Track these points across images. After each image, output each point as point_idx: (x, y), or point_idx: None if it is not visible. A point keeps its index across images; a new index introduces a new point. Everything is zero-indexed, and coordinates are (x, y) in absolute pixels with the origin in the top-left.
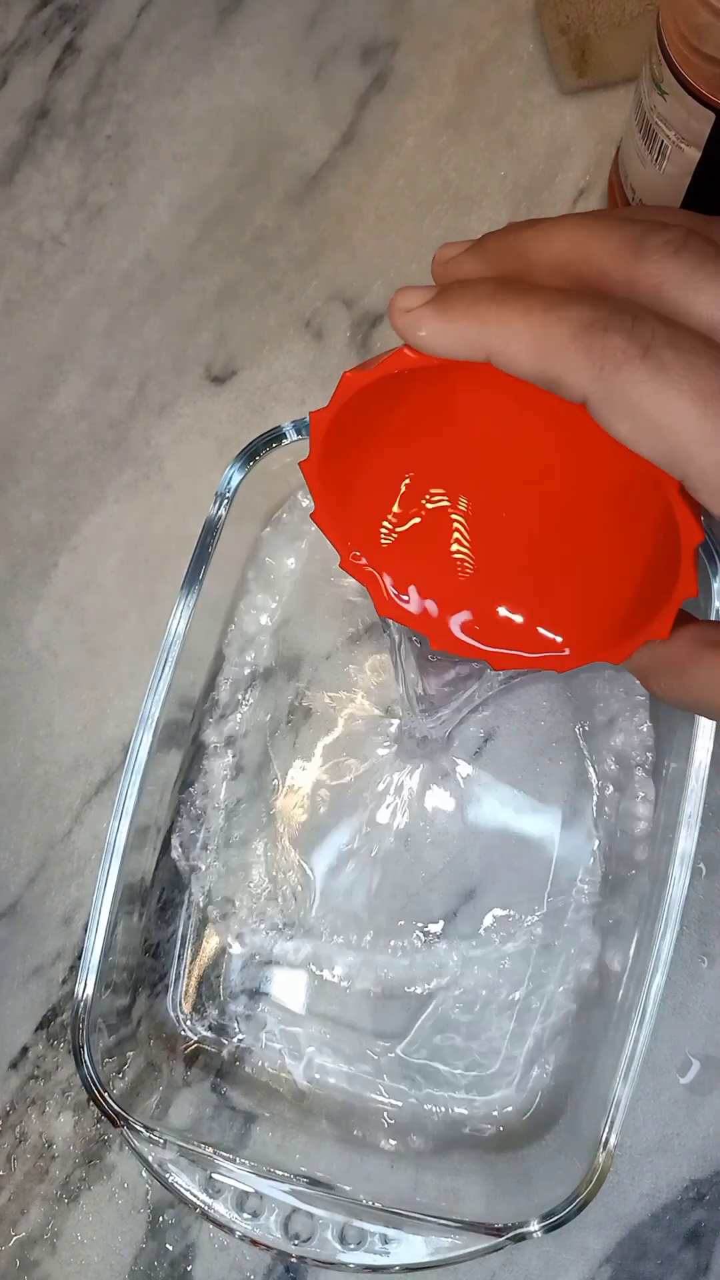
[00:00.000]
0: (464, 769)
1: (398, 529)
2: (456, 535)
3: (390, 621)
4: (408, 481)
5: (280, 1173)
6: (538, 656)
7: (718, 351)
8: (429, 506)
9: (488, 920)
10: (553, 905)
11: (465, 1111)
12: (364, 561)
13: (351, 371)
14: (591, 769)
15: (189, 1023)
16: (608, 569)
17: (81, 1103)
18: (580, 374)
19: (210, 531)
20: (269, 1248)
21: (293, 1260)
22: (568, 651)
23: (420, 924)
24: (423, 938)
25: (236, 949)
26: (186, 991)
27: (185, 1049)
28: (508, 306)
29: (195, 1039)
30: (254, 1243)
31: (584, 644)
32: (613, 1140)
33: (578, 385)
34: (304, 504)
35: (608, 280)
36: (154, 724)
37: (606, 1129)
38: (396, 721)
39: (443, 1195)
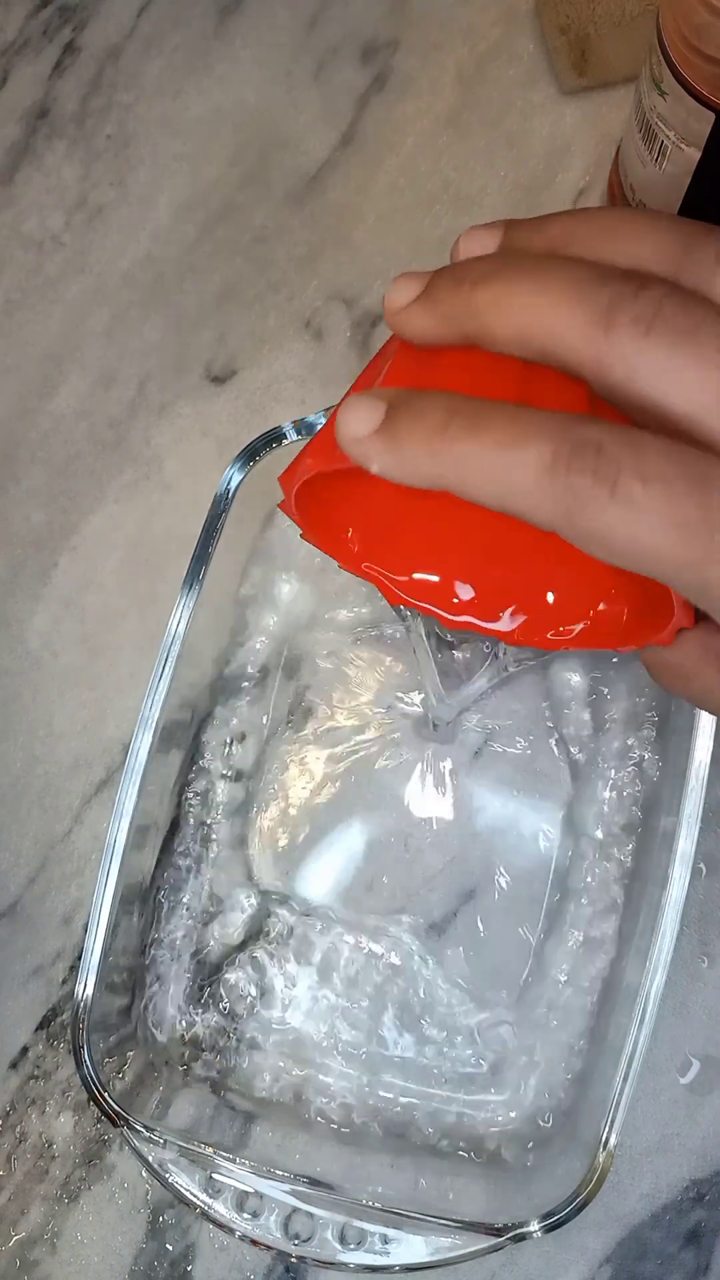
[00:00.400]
0: (465, 769)
1: (392, 520)
2: (455, 518)
3: (404, 609)
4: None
5: (280, 1173)
6: (548, 637)
7: (692, 464)
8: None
9: (488, 920)
10: (552, 906)
11: (465, 1111)
12: (365, 563)
13: (285, 476)
14: (591, 769)
15: (189, 1023)
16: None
17: (81, 1103)
18: (545, 514)
19: (210, 531)
20: (269, 1248)
21: (293, 1260)
22: (577, 630)
23: (420, 924)
24: (424, 937)
25: (236, 949)
26: (187, 991)
27: (185, 1049)
28: (461, 444)
29: (195, 1038)
30: (254, 1243)
31: (592, 627)
32: (613, 1140)
33: (544, 522)
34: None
35: (575, 363)
36: (154, 724)
37: (606, 1129)
38: (396, 721)
39: (443, 1195)
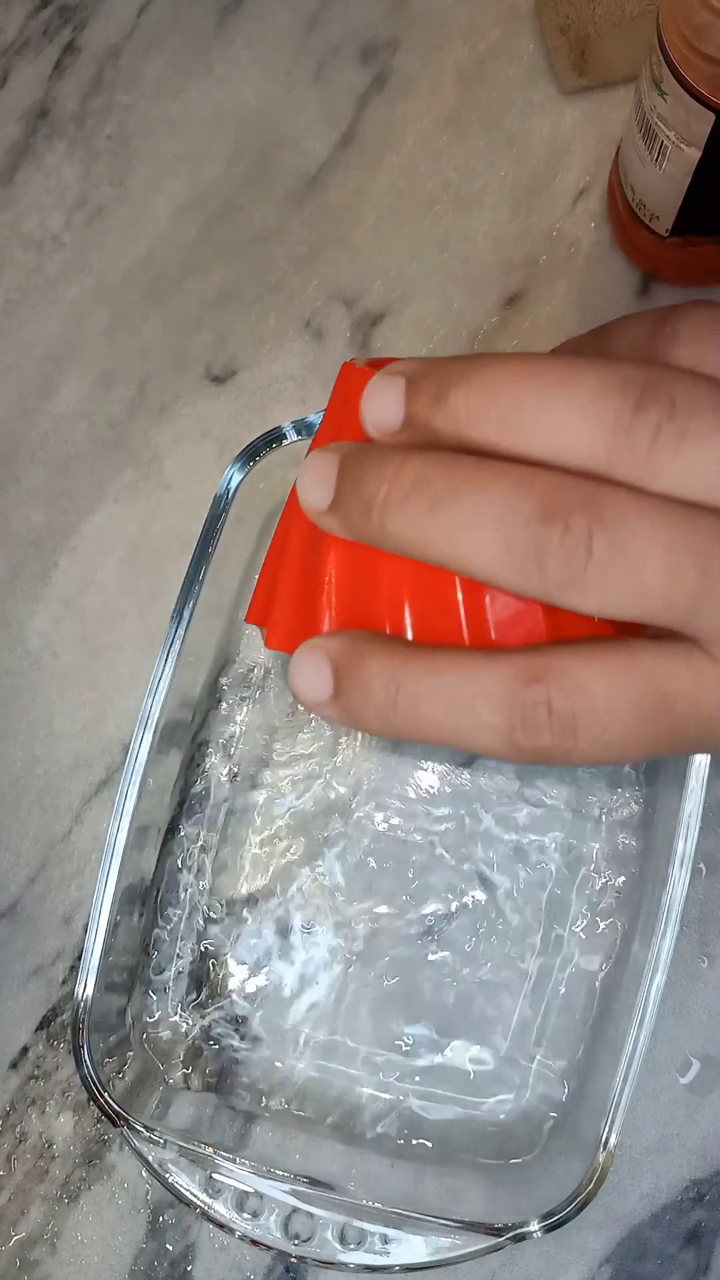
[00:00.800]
0: (465, 769)
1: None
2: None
3: None
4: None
5: (280, 1173)
6: None
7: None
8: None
9: (488, 921)
10: (552, 906)
11: (465, 1111)
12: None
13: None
14: (592, 769)
15: (189, 1023)
16: None
17: (81, 1103)
18: (500, 755)
19: (210, 531)
20: (269, 1248)
21: (293, 1260)
22: None
23: (421, 924)
24: (424, 937)
25: (236, 949)
26: (187, 992)
27: (185, 1049)
28: (414, 714)
29: (195, 1039)
30: (254, 1243)
31: None
32: (613, 1140)
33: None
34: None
35: (517, 593)
36: (154, 724)
37: (606, 1129)
38: None
39: (443, 1195)
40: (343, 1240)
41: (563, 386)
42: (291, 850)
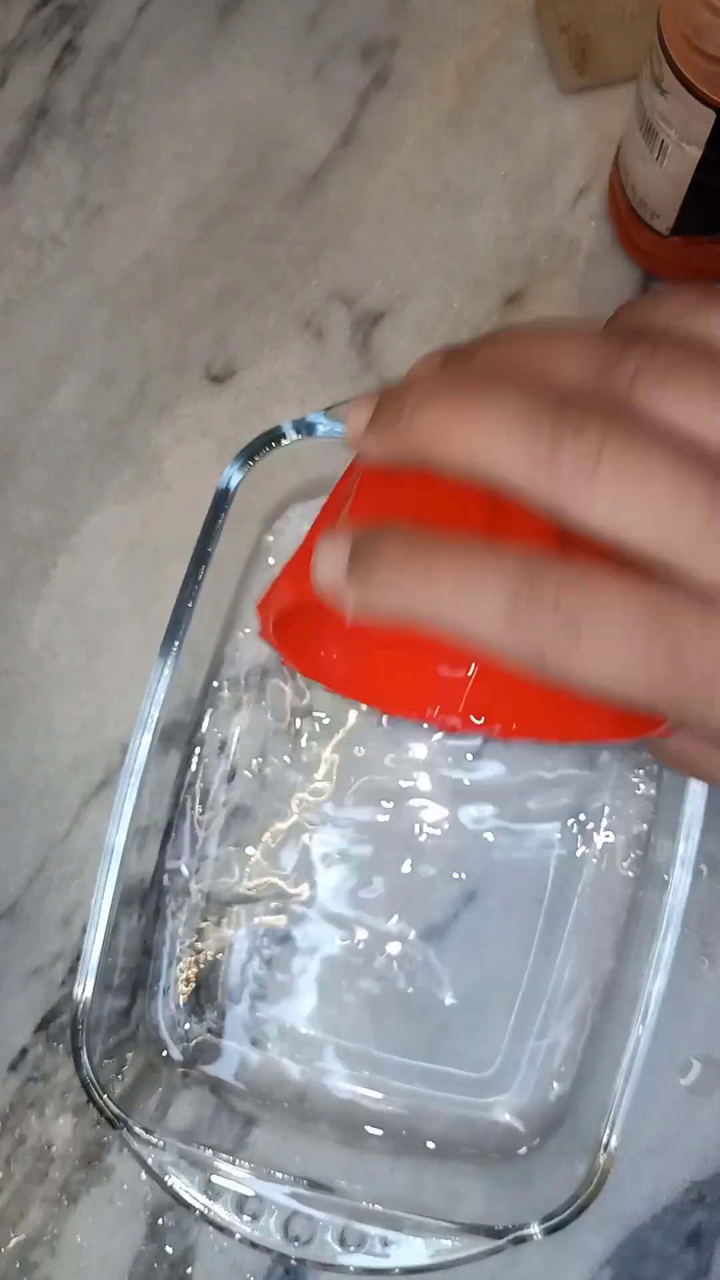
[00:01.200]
0: (465, 769)
1: (376, 638)
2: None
3: None
4: None
5: (280, 1175)
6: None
7: (652, 601)
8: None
9: (488, 922)
10: (553, 907)
11: (465, 1114)
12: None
13: (263, 605)
14: (592, 770)
15: (188, 1024)
16: None
17: (81, 1105)
18: (516, 659)
19: (210, 531)
20: (269, 1250)
21: (292, 1263)
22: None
23: (420, 926)
24: (423, 938)
25: (235, 950)
26: (186, 993)
27: (185, 1051)
28: (428, 587)
29: (195, 1041)
30: (254, 1245)
31: (592, 725)
32: (613, 1142)
33: (517, 665)
34: (304, 503)
35: (529, 500)
36: (154, 725)
37: (607, 1130)
38: (397, 719)
39: (443, 1197)
40: (342, 1242)
41: (561, 340)
42: (290, 851)
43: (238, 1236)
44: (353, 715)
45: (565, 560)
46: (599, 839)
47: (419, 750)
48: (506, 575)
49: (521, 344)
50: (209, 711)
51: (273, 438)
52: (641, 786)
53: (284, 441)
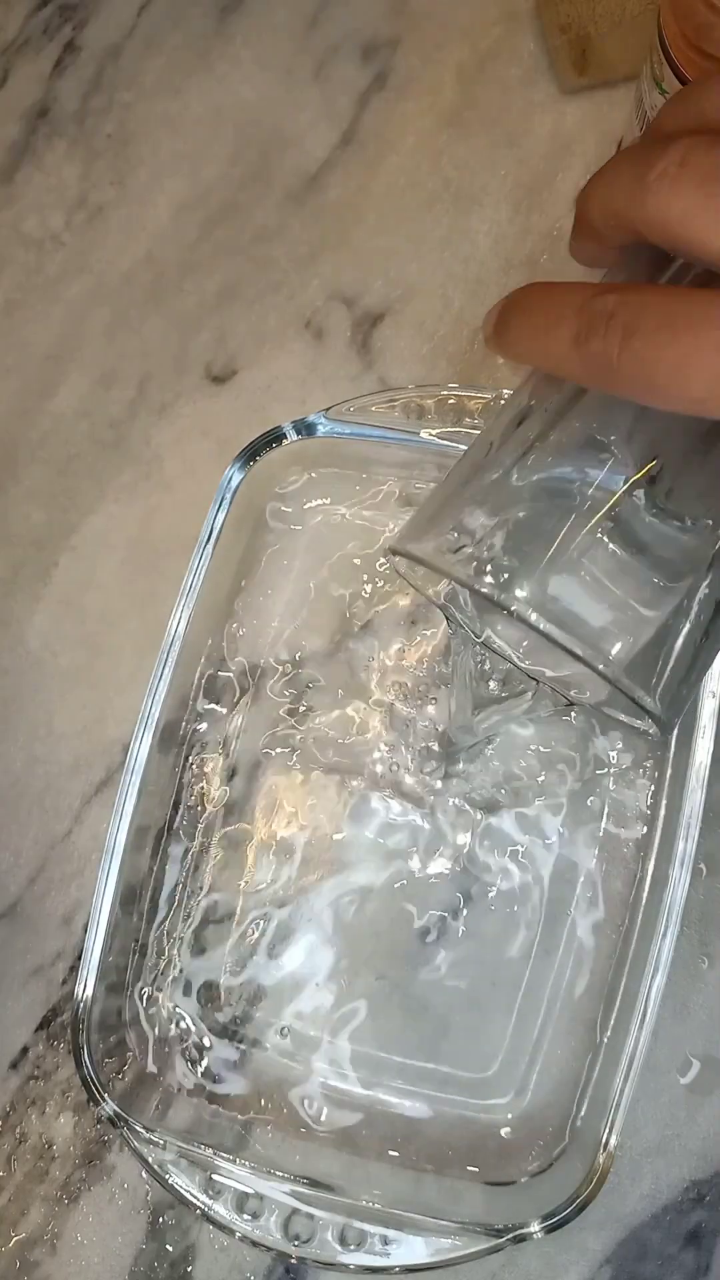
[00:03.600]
0: (463, 768)
1: None
2: None
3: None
4: None
5: (280, 1174)
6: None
7: (693, 305)
8: None
9: (488, 922)
10: (553, 907)
11: (465, 1113)
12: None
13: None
14: (592, 770)
15: (188, 1024)
16: None
17: (81, 1103)
18: (585, 379)
19: (210, 531)
20: (269, 1249)
21: (293, 1261)
22: None
23: (420, 925)
24: (422, 938)
25: (235, 950)
26: (185, 993)
27: (185, 1050)
28: (533, 337)
29: (194, 1040)
30: (254, 1244)
31: None
32: (613, 1141)
33: (588, 384)
34: (305, 503)
35: (632, 225)
36: (154, 724)
37: (607, 1130)
38: (396, 719)
39: (443, 1196)
40: (343, 1241)
41: None
42: (291, 851)
43: (238, 1235)
44: (351, 715)
45: (627, 286)
46: (599, 838)
47: (419, 749)
48: (573, 305)
49: (629, 151)
50: (208, 711)
51: (273, 438)
52: (640, 785)
53: (284, 442)
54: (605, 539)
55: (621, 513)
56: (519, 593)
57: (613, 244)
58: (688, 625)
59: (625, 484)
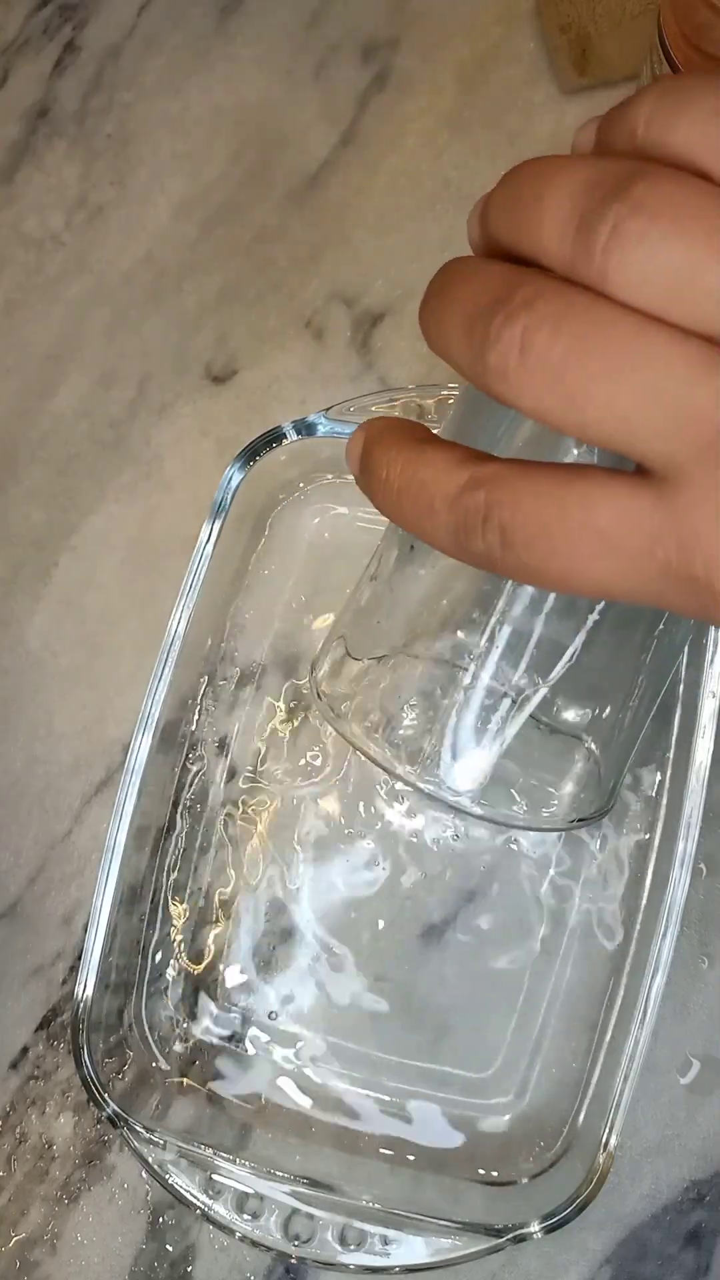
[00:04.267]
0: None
1: None
2: None
3: None
4: None
5: (280, 1174)
6: None
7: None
8: None
9: (488, 923)
10: (553, 907)
11: (465, 1114)
12: None
13: None
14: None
15: (188, 1024)
16: None
17: (81, 1103)
18: (476, 565)
19: (210, 531)
20: (269, 1249)
21: (293, 1261)
22: None
23: (419, 926)
24: (422, 939)
25: (235, 950)
26: (185, 993)
27: (185, 1050)
28: (400, 498)
29: (194, 1040)
30: (254, 1244)
31: None
32: (613, 1141)
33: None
34: (305, 503)
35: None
36: (154, 724)
37: (606, 1130)
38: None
39: (443, 1196)
40: (343, 1241)
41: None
42: (290, 851)
43: (238, 1235)
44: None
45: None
46: (597, 838)
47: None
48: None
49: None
50: (208, 711)
51: (273, 438)
52: (640, 785)
53: (284, 442)
54: (502, 710)
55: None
56: (448, 783)
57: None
58: (623, 734)
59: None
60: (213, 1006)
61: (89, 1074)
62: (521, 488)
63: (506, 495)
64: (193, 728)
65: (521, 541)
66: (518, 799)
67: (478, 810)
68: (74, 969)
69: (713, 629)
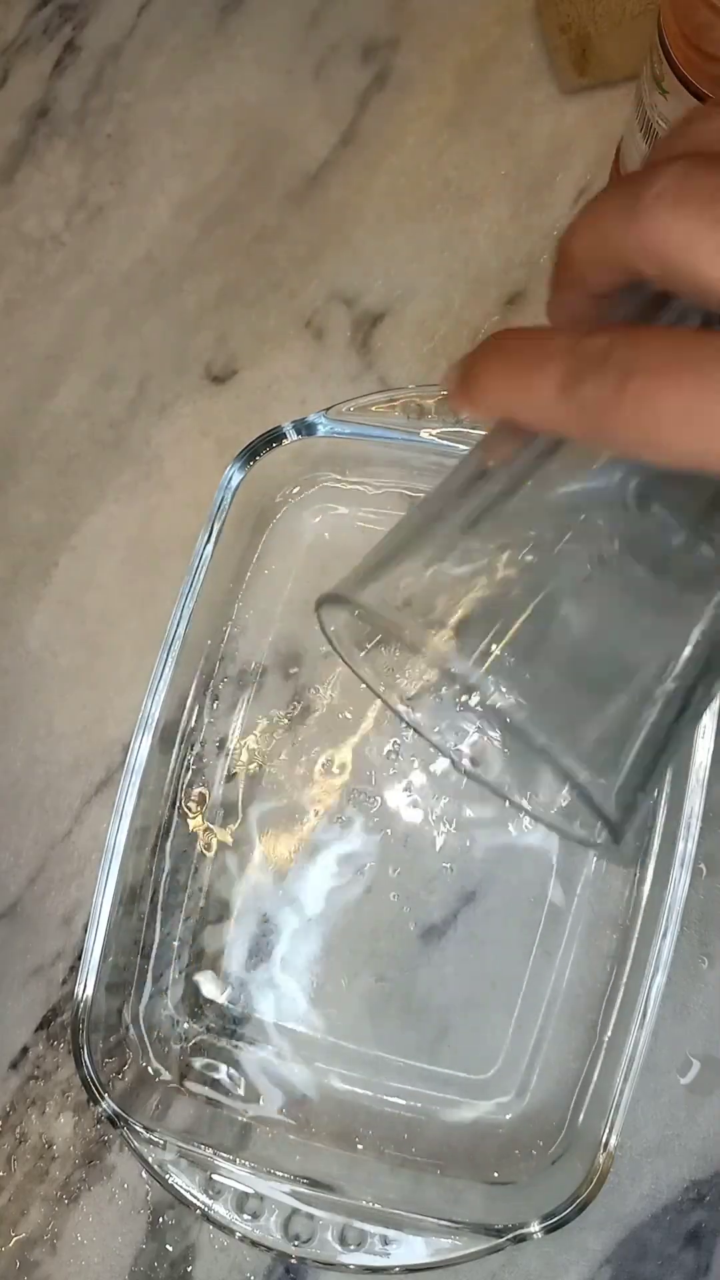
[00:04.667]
0: (464, 769)
1: None
2: None
3: None
4: None
5: (280, 1174)
6: None
7: (693, 350)
8: None
9: (488, 922)
10: (553, 907)
11: (465, 1114)
12: None
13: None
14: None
15: (188, 1024)
16: None
17: (81, 1103)
18: (573, 429)
19: (210, 531)
20: (269, 1249)
21: (293, 1261)
22: None
23: (420, 926)
24: (422, 939)
25: (235, 951)
26: (185, 993)
27: (185, 1050)
28: (511, 383)
29: (194, 1040)
30: (254, 1244)
31: None
32: (613, 1141)
33: (578, 436)
34: (304, 503)
35: (624, 259)
36: (154, 724)
37: (606, 1130)
38: (395, 719)
39: (443, 1196)
40: (343, 1241)
41: None
42: (289, 851)
43: (238, 1235)
44: (350, 715)
45: (615, 327)
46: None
47: (421, 746)
48: (561, 347)
49: (616, 184)
50: (208, 711)
51: (273, 438)
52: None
53: (284, 442)
54: (574, 613)
55: (595, 583)
56: (478, 667)
57: (599, 290)
58: (655, 714)
59: (601, 556)
60: (213, 1006)
61: (89, 1074)
62: (647, 332)
63: (631, 336)
64: (193, 728)
65: (642, 379)
66: (554, 716)
67: (510, 712)
68: (74, 969)
69: None
